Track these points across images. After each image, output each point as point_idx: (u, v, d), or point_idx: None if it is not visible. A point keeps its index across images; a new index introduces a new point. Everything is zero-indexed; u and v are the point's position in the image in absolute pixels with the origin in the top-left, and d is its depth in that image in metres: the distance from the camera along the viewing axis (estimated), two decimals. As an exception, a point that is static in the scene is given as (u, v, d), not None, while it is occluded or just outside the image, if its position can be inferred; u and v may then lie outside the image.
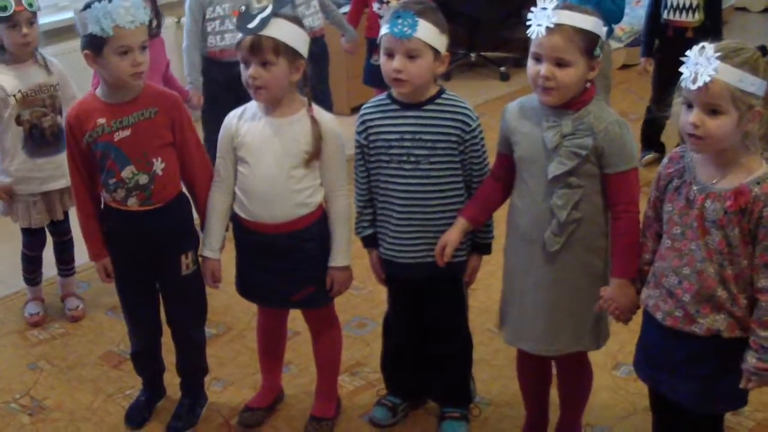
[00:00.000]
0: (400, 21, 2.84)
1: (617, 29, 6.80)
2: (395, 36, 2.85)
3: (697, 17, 5.13)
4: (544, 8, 2.64)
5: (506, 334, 3.02)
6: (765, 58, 2.33)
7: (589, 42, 2.65)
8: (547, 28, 2.63)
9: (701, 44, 2.35)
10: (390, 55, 2.90)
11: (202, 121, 4.74)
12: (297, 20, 3.00)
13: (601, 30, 2.70)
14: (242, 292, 3.27)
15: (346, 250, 3.12)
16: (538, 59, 2.68)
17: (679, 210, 2.48)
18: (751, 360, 2.40)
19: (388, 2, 5.19)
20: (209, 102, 4.66)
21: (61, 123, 3.77)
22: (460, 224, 2.97)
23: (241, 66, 2.95)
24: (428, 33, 2.86)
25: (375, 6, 5.29)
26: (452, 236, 2.97)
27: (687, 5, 5.10)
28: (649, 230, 2.65)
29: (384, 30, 2.90)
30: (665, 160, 2.60)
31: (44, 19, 3.87)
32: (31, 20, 3.73)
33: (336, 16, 5.33)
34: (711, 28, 5.03)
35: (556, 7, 2.63)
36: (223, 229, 3.18)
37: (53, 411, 3.55)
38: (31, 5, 3.69)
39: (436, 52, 2.89)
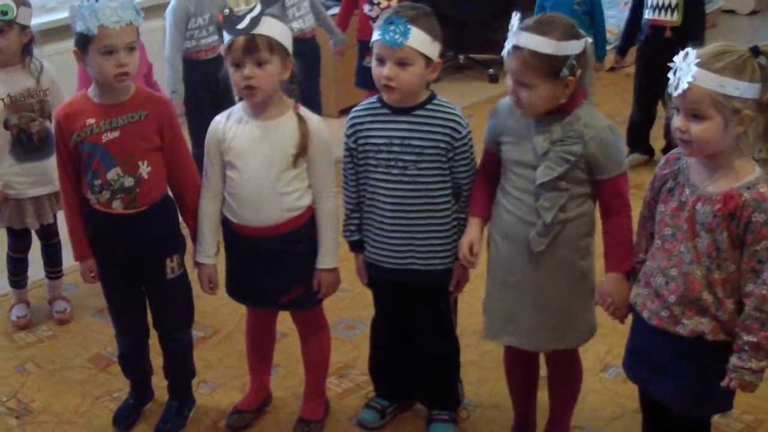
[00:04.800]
0: (392, 28, 2.82)
1: (606, 31, 6.83)
2: (386, 44, 2.83)
3: (676, 17, 5.17)
4: (513, 26, 2.66)
5: (485, 330, 3.01)
6: (758, 59, 2.31)
7: (550, 65, 2.62)
8: (508, 50, 2.65)
9: (686, 50, 2.36)
10: (381, 61, 2.89)
11: (188, 127, 4.73)
12: (280, 18, 3.00)
13: (571, 50, 2.63)
14: (232, 294, 3.26)
15: (334, 252, 3.11)
16: None
17: (671, 211, 2.49)
18: (732, 359, 2.41)
19: (378, 3, 5.20)
20: (192, 104, 4.66)
21: (50, 128, 3.77)
22: (476, 222, 2.94)
23: (231, 69, 2.93)
24: (420, 41, 2.84)
25: (366, 8, 5.30)
26: (474, 235, 2.93)
27: (666, 4, 5.14)
28: (644, 230, 2.66)
29: (376, 36, 2.88)
30: (662, 161, 2.61)
31: (32, 21, 3.85)
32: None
33: (325, 19, 5.35)
34: (690, 31, 5.05)
35: (520, 27, 2.64)
36: (216, 234, 3.16)
37: (40, 414, 3.53)
38: (5, 13, 3.70)
39: (428, 59, 2.88)
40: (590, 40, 2.74)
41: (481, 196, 2.96)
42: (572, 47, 2.64)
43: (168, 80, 4.66)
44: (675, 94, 2.36)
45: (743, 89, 2.29)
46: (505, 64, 2.70)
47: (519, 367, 3.12)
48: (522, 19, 2.68)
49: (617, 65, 5.66)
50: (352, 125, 3.05)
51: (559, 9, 4.76)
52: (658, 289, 2.51)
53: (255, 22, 2.86)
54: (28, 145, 3.82)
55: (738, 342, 2.40)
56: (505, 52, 2.68)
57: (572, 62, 2.62)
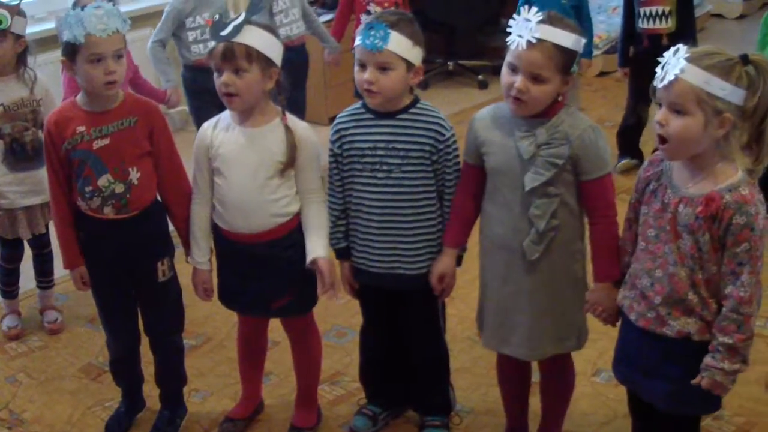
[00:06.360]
0: (372, 32, 2.84)
1: (595, 37, 6.86)
2: (366, 48, 2.85)
3: (671, 23, 5.18)
4: (528, 20, 2.63)
5: (485, 339, 3.03)
6: (746, 67, 2.32)
7: (567, 59, 2.66)
8: (528, 41, 2.62)
9: (678, 45, 2.37)
10: (362, 65, 2.90)
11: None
12: (270, 29, 3.00)
13: (580, 45, 2.69)
14: (223, 301, 3.25)
15: (325, 244, 3.05)
16: (514, 70, 2.68)
17: (655, 213, 2.50)
18: (706, 358, 2.43)
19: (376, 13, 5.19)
20: (202, 111, 4.64)
21: (42, 138, 3.77)
22: (450, 253, 2.99)
23: (214, 74, 2.94)
24: (400, 45, 2.85)
25: (363, 18, 5.28)
26: (445, 266, 2.99)
27: (659, 12, 5.15)
28: (629, 232, 2.67)
29: (357, 41, 2.90)
30: (645, 163, 2.62)
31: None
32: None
33: (318, 28, 5.32)
34: (684, 34, 5.06)
35: (540, 21, 2.61)
36: (209, 240, 3.17)
37: (32, 424, 3.52)
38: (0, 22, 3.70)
39: (409, 64, 2.89)
40: (584, 39, 2.75)
41: (458, 221, 2.98)
42: (579, 43, 2.68)
43: (156, 71, 4.66)
44: (660, 85, 2.36)
45: (728, 91, 2.31)
46: (517, 58, 2.65)
47: (512, 374, 3.12)
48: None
49: (623, 76, 5.59)
50: (337, 131, 3.06)
51: (547, 4, 4.71)
52: (644, 290, 2.52)
53: (237, 30, 2.87)
54: (21, 155, 3.82)
55: (713, 342, 2.42)
56: (520, 45, 2.63)
57: (579, 58, 2.66)
